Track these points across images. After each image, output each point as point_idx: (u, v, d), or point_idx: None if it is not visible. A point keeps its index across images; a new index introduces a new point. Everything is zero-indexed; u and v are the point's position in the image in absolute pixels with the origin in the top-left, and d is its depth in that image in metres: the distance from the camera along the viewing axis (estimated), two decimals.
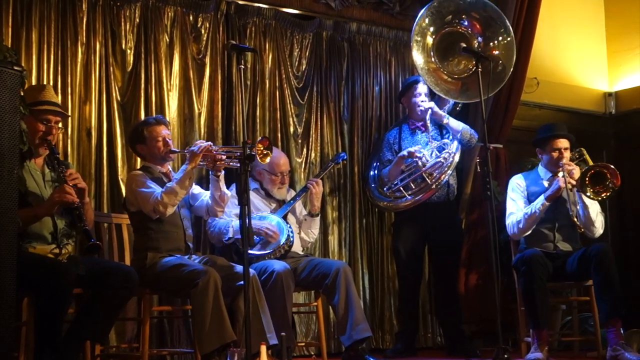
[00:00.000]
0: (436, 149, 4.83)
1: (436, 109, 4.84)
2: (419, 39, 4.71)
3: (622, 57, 6.58)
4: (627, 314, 4.33)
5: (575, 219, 4.38)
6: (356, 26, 5.39)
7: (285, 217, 4.47)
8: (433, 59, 4.76)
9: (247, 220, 3.35)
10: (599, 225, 4.53)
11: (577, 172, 4.46)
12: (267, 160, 3.68)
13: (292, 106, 5.11)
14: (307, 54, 5.21)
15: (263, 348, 3.13)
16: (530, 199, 4.62)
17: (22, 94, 3.00)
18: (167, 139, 4.01)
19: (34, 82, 4.10)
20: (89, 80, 4.37)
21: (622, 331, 4.34)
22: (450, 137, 4.86)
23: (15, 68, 2.90)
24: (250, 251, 4.05)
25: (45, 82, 4.14)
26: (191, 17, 4.76)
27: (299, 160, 5.10)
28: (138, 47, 4.54)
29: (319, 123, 5.19)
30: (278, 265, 4.12)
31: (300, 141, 5.12)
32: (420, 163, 4.76)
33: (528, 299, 4.32)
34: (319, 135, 5.18)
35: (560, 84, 6.34)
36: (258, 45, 4.96)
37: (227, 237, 4.23)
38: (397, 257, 4.98)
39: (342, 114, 5.28)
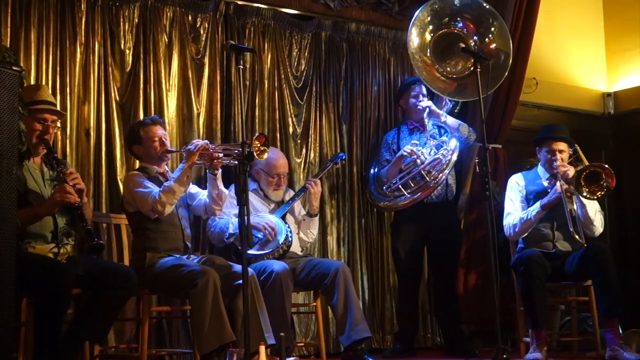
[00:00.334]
0: (434, 147, 4.84)
1: (433, 107, 4.86)
2: (416, 31, 4.72)
3: (621, 57, 6.58)
4: (626, 314, 4.33)
5: (572, 230, 4.37)
6: (355, 26, 5.40)
7: (283, 217, 4.47)
8: (429, 55, 4.78)
9: (245, 220, 3.35)
10: (598, 223, 4.52)
11: (571, 172, 4.46)
12: (265, 156, 3.67)
13: (291, 106, 5.11)
14: (306, 54, 5.21)
15: (262, 348, 3.13)
16: (528, 198, 4.62)
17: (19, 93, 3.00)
18: (164, 139, 4.02)
19: (32, 83, 4.10)
20: (87, 80, 4.36)
21: (620, 331, 4.34)
22: (449, 135, 4.87)
23: (14, 68, 2.89)
24: (249, 251, 4.06)
25: (43, 82, 4.14)
26: (190, 18, 4.76)
27: (298, 160, 5.10)
28: (137, 47, 4.54)
29: (318, 123, 5.19)
30: (277, 265, 4.12)
31: (299, 141, 5.12)
32: (418, 161, 4.77)
33: (527, 299, 4.32)
34: (318, 136, 5.18)
35: (559, 84, 6.34)
36: (257, 45, 4.96)
37: (228, 234, 4.23)
38: (397, 258, 4.98)
39: (341, 114, 5.29)
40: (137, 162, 4.35)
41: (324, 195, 5.10)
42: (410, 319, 4.98)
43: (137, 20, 4.56)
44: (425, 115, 4.84)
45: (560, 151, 4.56)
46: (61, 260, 3.46)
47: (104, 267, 3.56)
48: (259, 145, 3.63)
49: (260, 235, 4.31)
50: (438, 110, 4.88)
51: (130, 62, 4.53)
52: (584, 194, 4.35)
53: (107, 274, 3.49)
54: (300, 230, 4.61)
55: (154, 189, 3.87)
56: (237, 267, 3.83)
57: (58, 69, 4.26)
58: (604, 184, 4.34)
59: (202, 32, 4.79)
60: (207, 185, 4.01)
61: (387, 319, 5.25)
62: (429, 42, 4.77)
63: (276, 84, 5.04)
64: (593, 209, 4.51)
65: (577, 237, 4.32)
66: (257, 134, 3.82)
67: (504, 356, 3.81)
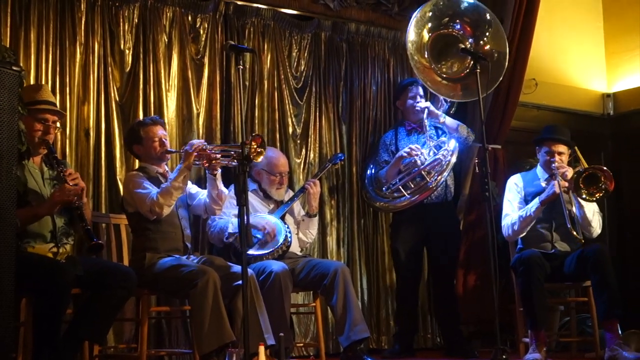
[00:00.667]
0: (434, 147, 4.84)
1: (432, 108, 4.87)
2: (416, 24, 4.76)
3: (620, 58, 6.59)
4: (625, 315, 4.33)
5: (570, 227, 4.37)
6: (355, 27, 5.40)
7: (283, 218, 4.47)
8: (426, 56, 4.80)
9: (245, 221, 3.35)
10: (596, 224, 4.53)
11: (569, 173, 4.47)
12: (260, 159, 3.67)
13: (290, 107, 5.11)
14: (305, 54, 5.21)
15: (261, 348, 3.13)
16: (527, 199, 4.62)
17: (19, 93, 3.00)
18: (164, 139, 4.02)
19: (32, 82, 4.09)
20: (87, 80, 4.36)
21: (619, 332, 4.34)
22: (447, 136, 4.88)
23: (14, 68, 2.89)
24: (248, 252, 4.06)
25: (43, 82, 4.13)
26: (190, 18, 4.76)
27: (298, 160, 5.10)
28: (136, 48, 4.54)
29: (317, 123, 5.19)
30: (276, 265, 4.12)
31: (298, 142, 5.12)
32: (418, 162, 4.77)
33: (526, 299, 4.32)
34: (318, 136, 5.18)
35: (559, 85, 6.34)
36: (257, 45, 4.96)
37: (228, 234, 4.23)
38: (396, 258, 4.98)
39: (341, 114, 5.29)
40: (137, 162, 4.35)
41: (324, 195, 5.10)
42: (409, 320, 4.98)
43: (136, 21, 4.56)
44: (424, 116, 4.84)
45: (560, 153, 4.56)
46: (60, 260, 3.46)
47: (103, 267, 3.56)
48: (255, 146, 3.63)
49: (259, 236, 4.31)
50: (437, 111, 4.89)
51: (129, 62, 4.53)
52: (583, 195, 4.36)
53: (107, 273, 3.49)
54: (300, 231, 4.61)
55: (152, 189, 3.87)
56: (237, 268, 3.83)
57: (58, 69, 4.26)
58: (603, 186, 4.34)
59: (201, 32, 4.79)
60: (207, 185, 4.02)
61: (385, 319, 5.25)
62: (427, 42, 4.79)
63: (276, 85, 5.04)
64: (591, 210, 4.51)
65: (574, 233, 4.32)
66: (253, 134, 3.82)
67: (503, 357, 3.82)
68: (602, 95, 6.65)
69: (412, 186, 4.80)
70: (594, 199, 4.39)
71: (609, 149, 6.55)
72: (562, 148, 4.59)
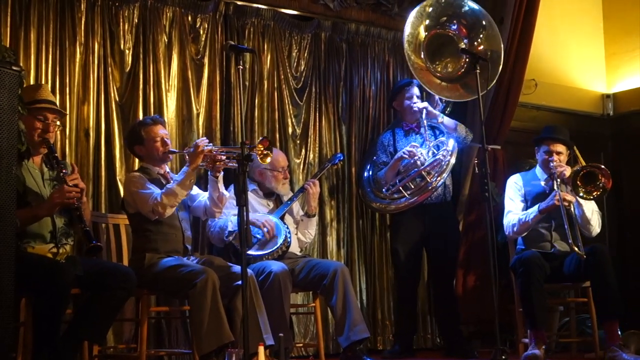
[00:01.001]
0: (433, 147, 4.84)
1: (430, 108, 4.87)
2: (415, 18, 4.81)
3: (620, 59, 6.59)
4: (625, 315, 4.33)
5: (572, 242, 4.36)
6: (354, 27, 5.40)
7: (282, 218, 4.47)
8: (422, 56, 4.82)
9: (244, 222, 3.35)
10: (595, 223, 4.53)
11: (567, 172, 4.47)
12: (268, 160, 3.68)
13: (290, 107, 5.11)
14: (305, 54, 5.21)
15: (261, 349, 3.14)
16: (527, 198, 4.63)
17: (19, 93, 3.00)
18: (165, 139, 4.00)
19: (32, 82, 4.09)
20: (87, 80, 4.36)
21: (619, 332, 4.34)
22: (446, 136, 4.88)
23: (14, 68, 2.89)
24: (248, 252, 4.05)
25: (43, 82, 4.13)
26: (190, 18, 4.76)
27: (298, 161, 5.10)
28: (136, 48, 4.54)
29: (317, 124, 5.20)
30: (276, 266, 4.12)
31: (298, 142, 5.12)
32: (418, 162, 4.77)
33: (525, 300, 4.32)
34: (318, 136, 5.19)
35: (559, 86, 6.34)
36: (256, 46, 4.96)
37: (228, 232, 4.23)
38: (396, 258, 4.98)
39: (341, 114, 5.29)
40: (137, 162, 4.35)
41: (324, 196, 5.10)
42: (409, 320, 4.98)
43: (136, 21, 4.56)
44: (423, 116, 4.85)
45: (558, 153, 4.57)
46: (60, 260, 3.46)
47: (103, 268, 3.56)
48: (262, 149, 3.63)
49: (259, 236, 4.31)
50: (435, 111, 4.89)
51: (129, 62, 4.53)
52: (580, 194, 4.36)
53: (106, 274, 3.49)
54: (298, 231, 4.61)
55: (155, 190, 3.86)
56: (236, 268, 3.83)
57: (58, 69, 4.26)
58: (600, 184, 4.35)
59: (201, 32, 4.79)
60: (208, 187, 4.00)
61: (384, 319, 5.25)
62: (423, 41, 4.82)
63: (276, 85, 5.05)
64: (590, 208, 4.51)
65: (576, 249, 4.31)
66: (261, 138, 3.82)
67: (503, 357, 3.82)
68: (602, 96, 6.65)
69: (412, 187, 4.80)
70: (592, 197, 4.39)
71: (609, 150, 6.55)
72: (560, 148, 4.59)
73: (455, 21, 4.91)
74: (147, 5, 4.58)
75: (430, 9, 4.83)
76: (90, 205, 4.17)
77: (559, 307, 5.25)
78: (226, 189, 4.10)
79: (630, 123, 6.48)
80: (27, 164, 3.50)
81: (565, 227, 4.34)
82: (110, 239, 4.13)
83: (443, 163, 4.77)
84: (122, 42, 4.50)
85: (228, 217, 4.27)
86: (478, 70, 4.23)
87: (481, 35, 4.90)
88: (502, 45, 4.89)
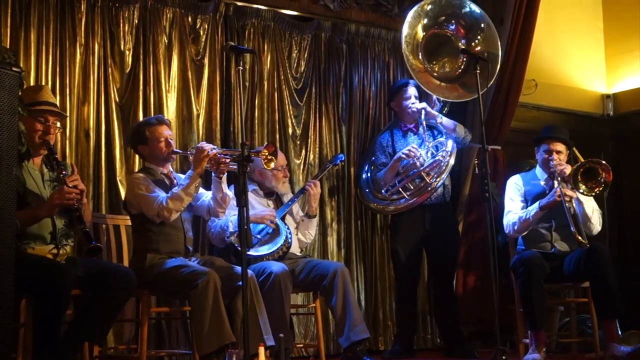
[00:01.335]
0: (432, 148, 4.84)
1: (429, 109, 4.87)
2: (414, 15, 4.81)
3: (620, 59, 6.59)
4: (625, 315, 4.33)
5: (575, 231, 4.36)
6: (355, 28, 5.40)
7: (283, 219, 4.48)
8: (420, 57, 4.83)
9: (245, 222, 3.35)
10: (595, 221, 4.53)
11: (568, 170, 4.47)
12: (272, 165, 3.69)
13: (290, 107, 5.11)
14: (305, 55, 5.22)
15: (261, 349, 3.14)
16: (527, 198, 4.63)
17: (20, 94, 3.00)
18: (169, 140, 3.99)
19: (32, 83, 4.10)
20: (87, 81, 4.37)
21: (619, 332, 4.34)
22: (445, 136, 4.88)
23: (14, 69, 2.89)
24: (248, 252, 4.06)
25: (43, 83, 4.14)
26: (190, 19, 4.77)
27: (298, 161, 5.10)
28: (137, 49, 4.55)
29: (317, 124, 5.20)
30: (276, 266, 4.12)
31: (298, 142, 5.13)
32: (418, 163, 4.77)
33: (525, 300, 4.32)
34: (318, 137, 5.19)
35: (559, 86, 6.34)
36: (257, 46, 4.96)
37: (229, 232, 4.23)
38: (396, 259, 4.98)
39: (341, 115, 5.29)
40: (137, 162, 4.37)
41: (324, 196, 5.10)
42: (409, 320, 4.98)
43: (136, 22, 4.56)
44: (422, 116, 4.85)
45: (558, 152, 4.57)
46: (60, 261, 3.46)
47: (104, 268, 3.56)
48: (267, 154, 3.64)
49: (259, 236, 4.32)
50: (434, 112, 4.89)
51: (130, 63, 4.53)
52: (581, 190, 4.36)
53: (107, 275, 3.49)
54: (299, 231, 4.62)
55: (160, 193, 3.85)
56: (237, 269, 3.83)
57: (58, 69, 4.26)
58: (601, 179, 4.35)
59: (201, 33, 4.80)
60: (212, 188, 3.99)
61: (384, 320, 5.25)
62: (421, 41, 4.84)
63: (276, 85, 5.05)
64: (590, 207, 4.52)
65: (579, 237, 4.31)
66: (266, 143, 3.82)
67: (503, 357, 3.83)
68: (602, 96, 6.65)
69: (412, 188, 4.80)
70: (594, 193, 4.39)
71: (609, 150, 6.54)
72: (560, 147, 4.59)
73: (453, 21, 4.92)
74: (147, 6, 4.59)
75: (429, 7, 4.84)
76: (90, 206, 4.17)
77: (559, 307, 5.25)
78: (227, 188, 4.10)
79: (630, 123, 6.48)
80: (27, 165, 3.50)
81: (568, 219, 4.34)
82: (111, 239, 4.13)
83: (442, 164, 4.77)
84: (122, 42, 4.50)
85: (228, 217, 4.27)
86: (478, 71, 4.23)
87: (479, 37, 4.91)
88: (499, 47, 4.89)
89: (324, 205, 5.10)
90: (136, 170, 4.30)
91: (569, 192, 4.41)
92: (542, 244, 4.54)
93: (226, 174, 3.95)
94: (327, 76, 5.27)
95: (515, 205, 4.62)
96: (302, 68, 5.20)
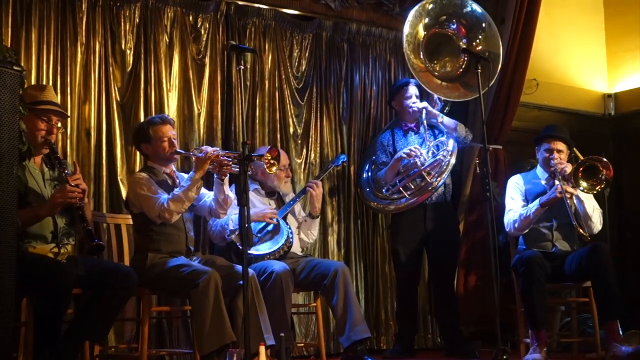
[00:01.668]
0: (433, 147, 4.84)
1: (430, 108, 4.87)
2: (415, 15, 4.81)
3: (622, 58, 6.59)
4: (626, 315, 4.33)
5: (576, 224, 4.36)
6: (356, 27, 5.40)
7: (284, 218, 4.48)
8: (421, 56, 4.84)
9: (246, 222, 3.35)
10: (596, 220, 4.52)
11: (568, 169, 4.47)
12: (274, 169, 3.70)
13: (291, 107, 5.11)
14: (306, 54, 5.21)
15: (262, 349, 3.13)
16: (528, 198, 4.63)
17: (20, 92, 3.00)
18: (173, 140, 3.98)
19: (33, 82, 4.10)
20: (88, 80, 4.37)
21: (620, 332, 4.34)
22: (446, 136, 4.88)
23: (15, 68, 2.90)
24: (249, 251, 4.06)
25: (44, 82, 4.14)
26: (191, 18, 4.76)
27: (299, 161, 5.10)
28: (138, 48, 4.54)
29: (318, 124, 5.20)
30: (277, 265, 4.12)
31: (299, 142, 5.13)
32: (418, 162, 4.77)
33: (526, 300, 4.32)
34: (319, 136, 5.19)
35: (560, 85, 6.34)
36: (258, 45, 4.96)
37: (229, 231, 4.23)
38: (396, 259, 4.98)
39: (342, 114, 5.29)
40: (139, 161, 4.37)
41: (325, 196, 5.09)
42: (409, 320, 4.98)
43: (137, 21, 4.56)
44: (423, 116, 4.84)
45: (559, 151, 4.57)
46: (61, 260, 3.46)
47: (104, 267, 3.56)
48: (269, 158, 3.64)
49: (260, 235, 4.32)
50: (435, 111, 4.89)
51: (131, 62, 4.53)
52: (581, 187, 4.36)
53: (107, 273, 3.49)
54: (301, 231, 4.62)
55: (162, 194, 3.85)
56: (238, 268, 3.82)
57: (59, 68, 4.26)
58: (602, 176, 4.35)
59: (202, 32, 4.79)
60: (214, 189, 3.99)
61: (385, 320, 5.25)
62: (422, 41, 4.83)
63: (277, 85, 5.05)
64: (591, 205, 4.52)
65: (581, 231, 4.31)
66: (269, 147, 3.82)
67: (504, 357, 3.82)
68: (603, 96, 6.65)
69: (412, 187, 4.80)
70: (596, 191, 4.39)
71: (610, 149, 6.54)
72: (561, 146, 4.59)
73: (454, 20, 4.92)
74: (148, 5, 4.58)
75: (431, 6, 4.84)
76: (91, 205, 4.17)
77: (560, 307, 5.25)
78: (229, 187, 4.10)
79: (631, 123, 6.48)
80: (28, 165, 3.50)
81: (569, 213, 4.33)
82: (112, 238, 4.13)
83: (443, 163, 4.77)
84: (123, 42, 4.50)
85: (229, 216, 4.27)
86: (480, 70, 4.23)
87: (480, 36, 4.90)
88: (500, 47, 4.89)
89: (324, 204, 5.10)
90: (137, 169, 4.30)
91: (570, 189, 4.41)
92: (543, 244, 4.54)
93: (228, 175, 3.95)
94: (328, 75, 5.26)
95: (516, 203, 4.62)
96: (303, 67, 5.20)
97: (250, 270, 3.81)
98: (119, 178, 4.38)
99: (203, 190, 4.16)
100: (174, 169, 4.10)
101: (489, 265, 4.01)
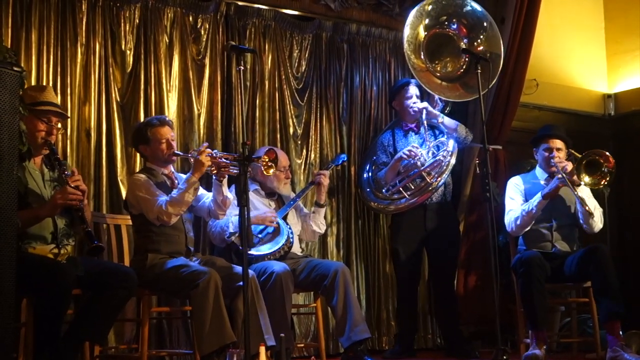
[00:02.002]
0: (433, 147, 4.84)
1: (430, 108, 4.87)
2: (415, 16, 4.82)
3: (622, 59, 6.59)
4: (626, 315, 4.33)
5: (579, 210, 4.36)
6: (356, 27, 5.40)
7: (285, 218, 4.47)
8: (422, 56, 4.83)
9: (246, 222, 3.35)
10: (597, 218, 4.52)
11: (570, 167, 4.47)
12: (271, 172, 3.70)
13: (291, 107, 5.11)
14: (306, 55, 5.22)
15: (262, 349, 3.14)
16: (527, 199, 4.63)
17: (20, 93, 3.00)
18: (171, 141, 3.99)
19: (33, 83, 4.10)
20: (88, 81, 4.37)
21: (621, 332, 4.34)
22: (446, 136, 4.88)
23: (15, 69, 2.89)
24: (250, 252, 4.05)
25: (44, 83, 4.14)
26: (191, 18, 4.76)
27: (299, 161, 5.10)
28: (138, 48, 4.55)
29: (318, 124, 5.20)
30: (277, 266, 4.12)
31: (299, 142, 5.13)
32: (418, 163, 4.77)
33: (526, 300, 4.32)
34: (319, 136, 5.19)
35: (560, 86, 6.34)
36: (258, 46, 4.96)
37: (229, 233, 4.23)
38: (396, 259, 4.98)
39: (342, 115, 5.29)
40: (138, 162, 4.36)
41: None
42: (409, 320, 4.98)
43: (137, 21, 4.56)
44: (423, 116, 4.84)
45: (558, 149, 4.58)
46: (61, 261, 3.46)
47: (104, 268, 3.56)
48: (267, 160, 3.64)
49: (260, 236, 4.32)
50: (435, 111, 4.90)
51: (131, 62, 4.53)
52: (582, 182, 4.37)
53: (107, 274, 3.49)
54: (313, 223, 4.61)
55: (161, 196, 3.85)
56: (238, 268, 3.82)
57: (59, 69, 4.26)
58: (605, 169, 4.35)
59: (202, 32, 4.79)
60: (212, 191, 3.99)
61: (385, 320, 5.25)
62: (422, 41, 4.83)
63: (277, 85, 5.05)
64: (592, 204, 4.52)
65: (586, 208, 4.33)
66: (267, 148, 3.82)
67: (504, 357, 3.82)
68: (603, 96, 6.65)
69: (413, 187, 4.80)
70: (602, 185, 4.40)
71: (610, 150, 6.43)
72: (559, 144, 4.60)
73: (455, 20, 4.92)
74: (148, 6, 4.59)
75: (430, 7, 4.84)
76: (91, 205, 4.18)
77: (560, 307, 5.25)
78: (228, 188, 4.10)
79: (631, 123, 6.48)
80: (28, 165, 3.50)
81: (575, 196, 4.35)
82: (111, 239, 4.13)
83: (443, 164, 4.77)
84: (123, 42, 4.50)
85: (229, 217, 4.27)
86: (479, 70, 4.23)
87: (481, 36, 4.91)
88: (502, 47, 4.90)
89: None
90: (137, 170, 4.30)
91: (573, 177, 4.41)
92: (542, 244, 4.55)
93: (227, 176, 3.95)
94: (328, 76, 5.27)
95: (516, 204, 4.62)
96: (303, 68, 5.20)
97: (250, 271, 3.82)
98: (119, 179, 4.38)
99: (202, 191, 4.17)
100: (173, 170, 4.11)
101: (489, 266, 4.01)
